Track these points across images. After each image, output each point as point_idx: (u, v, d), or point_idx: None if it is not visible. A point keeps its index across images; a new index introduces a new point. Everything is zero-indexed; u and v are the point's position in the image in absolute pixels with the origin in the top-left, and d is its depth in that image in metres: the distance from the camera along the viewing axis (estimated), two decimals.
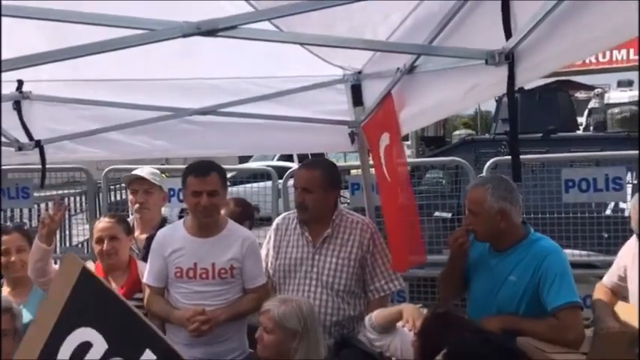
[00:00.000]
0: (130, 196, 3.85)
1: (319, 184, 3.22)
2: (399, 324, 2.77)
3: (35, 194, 6.37)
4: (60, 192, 7.31)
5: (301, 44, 2.98)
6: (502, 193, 2.82)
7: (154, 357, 1.89)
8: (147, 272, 3.26)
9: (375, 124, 3.56)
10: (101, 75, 3.49)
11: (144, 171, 3.82)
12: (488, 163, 5.50)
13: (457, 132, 16.11)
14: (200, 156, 3.77)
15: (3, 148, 3.67)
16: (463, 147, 7.88)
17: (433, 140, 12.22)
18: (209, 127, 3.86)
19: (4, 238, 3.34)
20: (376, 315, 2.86)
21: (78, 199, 7.56)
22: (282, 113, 3.83)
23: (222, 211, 3.52)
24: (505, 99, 9.00)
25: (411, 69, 2.91)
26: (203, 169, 3.13)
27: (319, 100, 3.83)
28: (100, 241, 3.28)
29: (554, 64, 1.99)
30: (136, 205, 3.78)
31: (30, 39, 2.55)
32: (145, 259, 3.63)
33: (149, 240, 3.69)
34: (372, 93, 3.58)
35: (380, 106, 3.42)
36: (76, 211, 7.53)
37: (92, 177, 6.15)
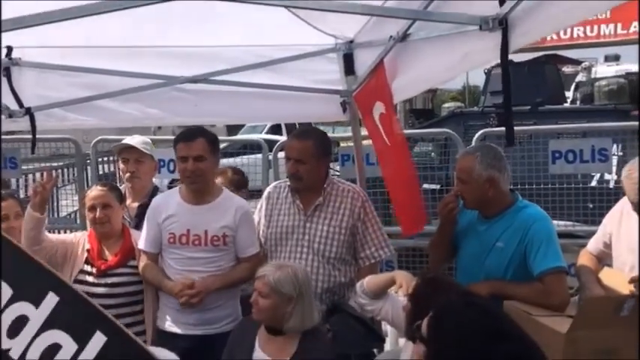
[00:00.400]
0: (121, 165, 3.82)
1: (312, 154, 3.22)
2: (392, 289, 2.81)
3: (23, 167, 6.35)
4: (47, 164, 7.26)
5: (294, 9, 2.97)
6: (490, 161, 2.86)
7: (57, 298, 2.04)
8: (142, 238, 3.29)
9: (368, 93, 3.58)
10: (92, 42, 3.45)
11: (134, 140, 3.79)
12: (477, 135, 5.53)
13: (446, 105, 16.15)
14: (192, 124, 3.76)
15: None
16: (452, 119, 7.91)
17: (422, 113, 12.25)
18: (201, 96, 3.85)
19: (2, 204, 3.30)
20: (368, 281, 2.90)
21: (66, 170, 7.50)
22: (274, 82, 3.83)
23: (219, 180, 3.56)
24: (494, 72, 9.08)
25: (404, 37, 2.93)
26: (190, 134, 3.14)
27: (311, 68, 3.83)
28: (92, 209, 3.28)
29: (546, 29, 2.03)
30: (127, 174, 3.76)
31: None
32: (137, 227, 3.65)
33: (141, 208, 3.72)
34: (364, 62, 3.59)
35: (372, 74, 3.43)
36: (64, 182, 7.47)
37: (80, 148, 6.12)
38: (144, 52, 3.63)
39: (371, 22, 3.31)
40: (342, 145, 6.44)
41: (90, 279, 3.21)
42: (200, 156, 3.10)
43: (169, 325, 3.25)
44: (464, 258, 3.09)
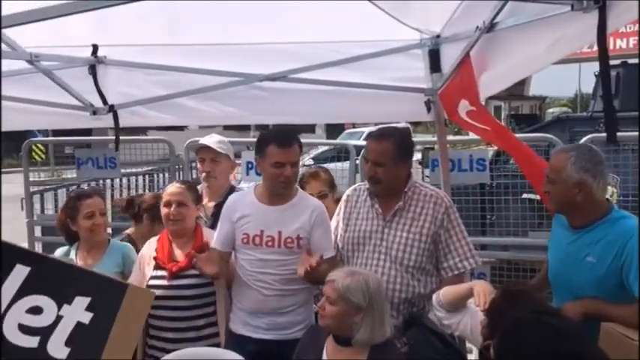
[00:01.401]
0: (198, 165, 3.83)
1: (391, 156, 3.03)
2: (470, 301, 2.57)
3: (122, 170, 6.62)
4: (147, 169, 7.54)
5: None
6: (585, 164, 2.54)
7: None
8: (215, 236, 3.24)
9: (453, 90, 3.34)
10: (173, 40, 3.48)
11: (211, 140, 3.78)
12: (583, 140, 5.10)
13: (551, 110, 15.24)
14: (269, 123, 3.69)
15: (78, 112, 3.76)
16: (557, 125, 7.39)
17: (524, 118, 11.60)
18: (279, 94, 3.77)
19: (89, 201, 3.38)
20: (444, 292, 2.70)
21: (161, 174, 7.77)
22: (355, 80, 3.68)
23: (313, 182, 3.57)
24: None
25: (491, 26, 2.69)
26: (287, 139, 3.05)
27: (394, 66, 3.64)
28: (168, 205, 3.27)
29: None
30: (203, 174, 3.76)
31: None
32: (213, 226, 3.62)
33: (217, 208, 3.69)
34: (450, 58, 3.37)
35: (457, 70, 3.20)
36: (158, 185, 7.73)
37: (174, 149, 6.26)
38: (223, 50, 3.59)
39: (457, 13, 3.08)
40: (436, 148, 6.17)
41: (161, 282, 3.18)
42: (297, 162, 3.07)
43: (240, 328, 3.19)
44: (553, 267, 2.80)
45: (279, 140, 3.03)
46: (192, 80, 3.73)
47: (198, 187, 3.83)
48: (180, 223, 3.27)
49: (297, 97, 3.78)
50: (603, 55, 1.88)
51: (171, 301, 3.16)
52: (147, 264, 3.27)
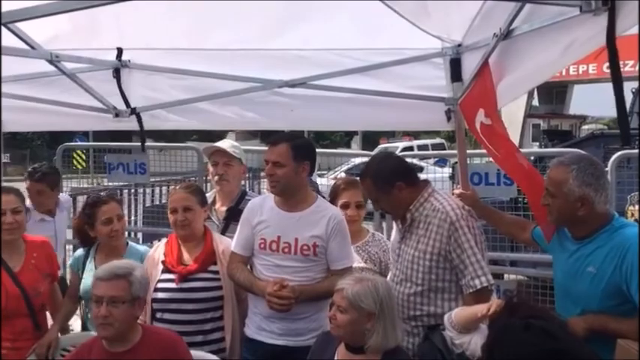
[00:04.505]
0: (211, 168, 3.84)
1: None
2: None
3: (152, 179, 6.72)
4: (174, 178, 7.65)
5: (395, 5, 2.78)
6: (587, 178, 2.45)
7: None
8: (235, 239, 3.24)
9: (472, 99, 3.28)
10: (194, 45, 3.52)
11: (225, 144, 3.82)
12: (613, 157, 4.97)
13: (586, 126, 14.87)
14: (288, 129, 3.70)
15: (101, 114, 3.83)
16: (591, 142, 7.21)
17: (557, 134, 11.35)
18: (298, 100, 3.78)
19: (105, 207, 3.41)
20: (457, 313, 2.64)
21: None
22: (375, 88, 3.65)
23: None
24: None
25: (507, 33, 2.65)
26: (275, 138, 3.08)
27: (414, 74, 3.60)
28: (174, 211, 3.27)
29: None
30: (216, 177, 3.78)
31: None
32: (224, 231, 3.62)
33: (229, 212, 3.72)
34: (470, 66, 3.31)
35: (476, 78, 3.15)
36: None
37: (202, 156, 6.32)
38: (244, 56, 3.60)
39: (476, 21, 3.04)
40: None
41: (170, 285, 3.19)
42: (277, 162, 3.02)
43: (255, 333, 3.18)
44: (556, 278, 2.72)
45: (268, 139, 3.09)
46: (213, 85, 3.76)
47: (210, 193, 3.86)
48: (187, 228, 3.27)
49: (317, 103, 3.78)
50: (613, 57, 1.82)
51: (180, 304, 3.17)
52: (154, 267, 3.28)
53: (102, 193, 3.83)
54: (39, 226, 4.23)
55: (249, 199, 3.72)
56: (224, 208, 3.76)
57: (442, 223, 2.91)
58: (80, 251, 3.59)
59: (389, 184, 2.99)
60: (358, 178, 3.30)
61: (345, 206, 3.53)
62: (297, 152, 3.03)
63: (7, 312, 3.22)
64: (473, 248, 2.89)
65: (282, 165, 3.02)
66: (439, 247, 2.91)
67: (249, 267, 3.22)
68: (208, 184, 6.51)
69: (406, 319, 2.97)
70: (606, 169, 4.75)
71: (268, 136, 3.35)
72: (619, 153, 4.98)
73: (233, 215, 3.67)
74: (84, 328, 3.63)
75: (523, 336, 1.30)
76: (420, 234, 2.97)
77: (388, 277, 3.18)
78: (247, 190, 4.15)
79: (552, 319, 1.41)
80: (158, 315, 3.18)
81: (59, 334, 3.41)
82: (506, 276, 5.82)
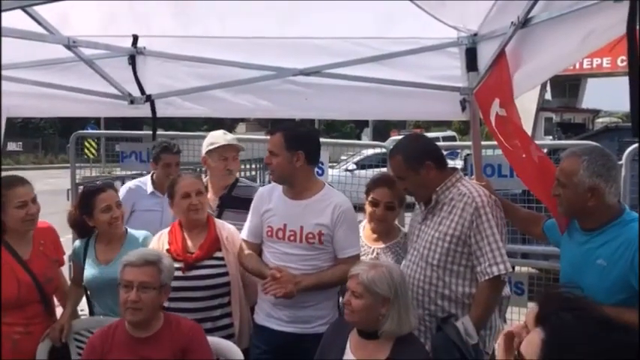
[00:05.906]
0: (215, 162, 3.89)
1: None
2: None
3: None
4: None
5: None
6: (598, 169, 2.46)
7: None
8: (245, 227, 3.29)
9: (487, 89, 3.27)
10: (209, 32, 3.51)
11: (229, 137, 3.93)
12: (628, 150, 4.92)
13: (600, 119, 14.74)
14: (302, 117, 3.70)
15: (117, 101, 3.84)
16: (606, 135, 7.18)
17: (570, 127, 11.27)
18: (312, 89, 3.77)
19: (103, 195, 3.41)
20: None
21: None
22: (388, 77, 3.63)
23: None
24: None
25: (525, 21, 2.63)
26: (274, 128, 3.16)
27: (429, 64, 3.59)
28: (187, 196, 3.28)
29: None
30: (227, 171, 3.86)
31: None
32: (219, 216, 3.69)
33: (221, 200, 3.84)
34: (486, 56, 3.29)
35: (492, 67, 3.13)
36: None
37: None
38: (259, 44, 3.60)
39: (493, 11, 3.02)
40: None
41: (177, 274, 3.17)
42: (272, 151, 3.09)
43: (263, 319, 3.22)
44: (564, 270, 2.72)
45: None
46: (227, 73, 3.76)
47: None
48: (202, 212, 3.32)
49: (331, 92, 3.76)
50: (632, 45, 1.80)
51: (188, 292, 3.19)
52: None
53: (97, 182, 3.86)
54: (149, 198, 4.31)
55: (241, 186, 3.90)
56: (215, 197, 3.85)
57: (467, 207, 2.93)
58: (78, 242, 3.58)
59: (418, 163, 3.02)
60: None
61: (374, 204, 3.49)
62: (289, 142, 3.07)
63: (20, 301, 3.25)
64: (495, 235, 2.91)
65: (276, 154, 3.08)
66: (460, 230, 2.93)
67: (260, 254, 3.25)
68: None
69: (421, 301, 3.00)
70: (621, 162, 4.72)
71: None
72: (633, 146, 4.93)
73: (227, 202, 3.81)
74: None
75: (580, 326, 1.24)
76: (442, 216, 3.00)
77: (404, 261, 3.20)
78: (257, 180, 4.22)
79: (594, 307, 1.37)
80: (166, 304, 3.21)
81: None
82: (517, 268, 5.80)
